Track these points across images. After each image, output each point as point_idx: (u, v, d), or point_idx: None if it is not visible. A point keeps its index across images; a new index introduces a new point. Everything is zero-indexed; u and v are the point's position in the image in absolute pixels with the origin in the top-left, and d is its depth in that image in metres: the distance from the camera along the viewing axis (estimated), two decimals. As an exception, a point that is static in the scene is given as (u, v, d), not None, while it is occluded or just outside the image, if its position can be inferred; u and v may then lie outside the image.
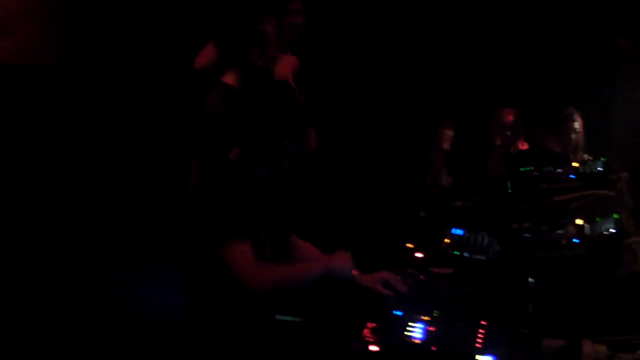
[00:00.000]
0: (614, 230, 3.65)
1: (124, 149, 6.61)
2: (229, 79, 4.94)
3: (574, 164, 4.81)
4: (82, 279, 5.54)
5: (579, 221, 3.83)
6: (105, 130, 6.56)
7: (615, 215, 3.74)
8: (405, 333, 3.33)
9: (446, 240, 4.32)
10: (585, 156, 4.91)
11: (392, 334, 3.33)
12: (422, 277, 3.92)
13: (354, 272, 3.71)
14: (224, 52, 4.94)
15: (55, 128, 6.33)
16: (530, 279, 3.64)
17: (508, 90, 6.65)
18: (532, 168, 4.95)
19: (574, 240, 3.67)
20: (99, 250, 5.84)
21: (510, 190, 4.86)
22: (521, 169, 5.04)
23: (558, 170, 4.81)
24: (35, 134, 6.19)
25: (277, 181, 3.51)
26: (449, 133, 6.80)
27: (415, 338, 3.30)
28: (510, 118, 6.45)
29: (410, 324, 3.40)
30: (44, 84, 6.29)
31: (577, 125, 5.61)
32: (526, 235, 3.94)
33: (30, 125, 6.19)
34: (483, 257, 4.16)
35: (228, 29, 4.90)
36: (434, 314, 3.49)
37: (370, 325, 3.38)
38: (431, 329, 3.34)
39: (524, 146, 6.14)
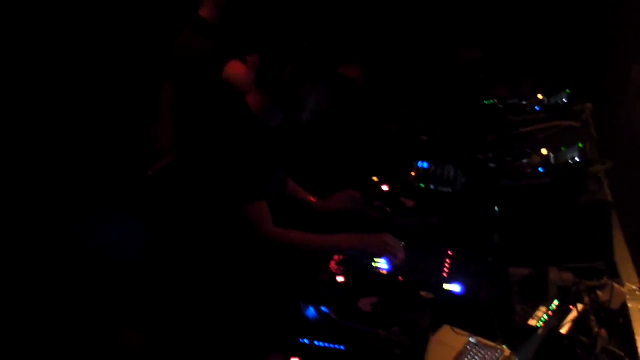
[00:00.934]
0: (578, 159, 3.65)
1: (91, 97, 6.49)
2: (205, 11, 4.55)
3: (539, 96, 4.82)
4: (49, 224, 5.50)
5: (543, 151, 3.83)
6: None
7: (580, 145, 3.75)
8: (372, 264, 3.34)
9: (412, 173, 4.32)
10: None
11: (359, 266, 3.33)
12: (388, 209, 3.92)
13: (313, 199, 3.73)
14: None
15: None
16: (495, 209, 3.65)
17: (469, 29, 6.59)
18: (496, 101, 4.96)
19: (539, 169, 3.67)
20: (68, 201, 5.79)
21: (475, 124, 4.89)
22: (485, 102, 5.04)
23: (523, 102, 4.82)
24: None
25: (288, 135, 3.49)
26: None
27: (382, 269, 3.30)
28: (473, 55, 6.43)
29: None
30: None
31: None
32: (491, 165, 3.94)
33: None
34: (449, 189, 4.16)
35: None
36: (401, 245, 3.49)
37: (336, 257, 3.38)
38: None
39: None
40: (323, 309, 2.89)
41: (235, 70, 4.20)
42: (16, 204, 5.58)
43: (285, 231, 3.30)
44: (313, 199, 3.92)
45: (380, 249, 3.30)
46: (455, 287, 3.20)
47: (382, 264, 3.33)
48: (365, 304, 3.03)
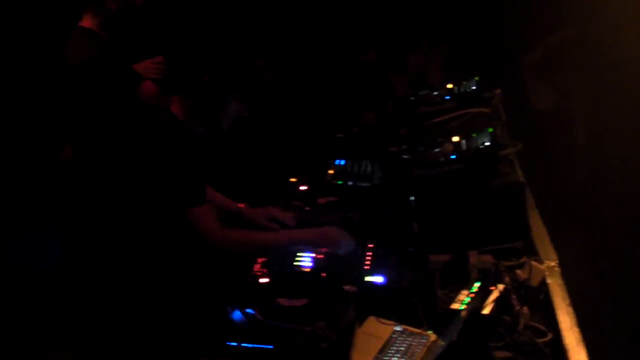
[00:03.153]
0: (489, 143, 3.72)
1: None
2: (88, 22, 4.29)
3: (449, 86, 4.89)
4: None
5: (455, 138, 3.89)
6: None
7: (490, 129, 3.81)
8: (295, 263, 3.36)
9: (329, 172, 4.36)
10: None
11: (282, 266, 3.35)
12: (307, 208, 3.94)
13: (241, 205, 3.72)
14: None
15: None
16: (411, 198, 3.69)
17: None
18: (407, 93, 5.02)
19: (452, 156, 3.72)
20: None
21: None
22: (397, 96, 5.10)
23: (434, 93, 4.88)
24: None
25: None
26: None
27: (305, 267, 3.32)
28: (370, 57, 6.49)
29: (298, 254, 3.43)
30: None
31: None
32: (405, 156, 3.99)
33: None
34: (367, 184, 4.21)
35: None
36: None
37: (260, 260, 3.40)
38: (319, 256, 3.38)
39: None
40: (248, 310, 2.91)
41: (149, 92, 4.15)
42: None
43: (236, 231, 3.27)
44: (242, 205, 3.84)
45: (333, 240, 3.35)
46: (377, 279, 3.24)
47: (304, 261, 3.35)
48: (290, 302, 3.05)
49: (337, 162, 4.47)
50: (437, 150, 3.83)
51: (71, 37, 4.25)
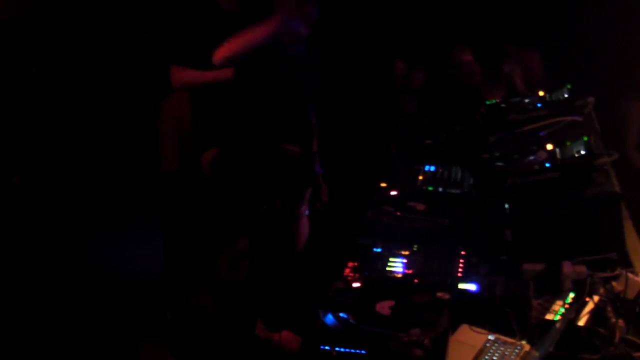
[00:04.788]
0: (584, 152, 3.67)
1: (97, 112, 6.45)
2: None
3: (540, 93, 4.84)
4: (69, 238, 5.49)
5: (549, 146, 3.85)
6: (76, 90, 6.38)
7: (585, 138, 3.77)
8: (387, 269, 3.36)
9: (420, 177, 4.35)
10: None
11: (374, 271, 3.35)
12: (398, 213, 3.94)
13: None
14: None
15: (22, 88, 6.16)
16: (505, 206, 3.67)
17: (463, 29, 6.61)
18: (498, 100, 4.98)
19: (546, 164, 3.69)
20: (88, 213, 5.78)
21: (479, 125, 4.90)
22: (487, 102, 5.06)
23: (525, 100, 4.84)
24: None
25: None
26: (419, 75, 6.77)
27: (397, 272, 3.32)
28: (466, 57, 6.44)
29: (390, 259, 3.43)
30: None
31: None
32: (498, 163, 3.96)
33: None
34: (457, 190, 4.19)
35: None
36: (413, 248, 3.52)
37: (351, 264, 3.41)
38: (411, 262, 3.38)
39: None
40: (342, 315, 2.91)
41: None
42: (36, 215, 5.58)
43: None
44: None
45: None
46: (470, 286, 3.22)
47: (397, 267, 3.35)
48: (383, 307, 3.05)
49: (426, 168, 4.46)
50: (531, 158, 3.79)
51: None
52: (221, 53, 4.10)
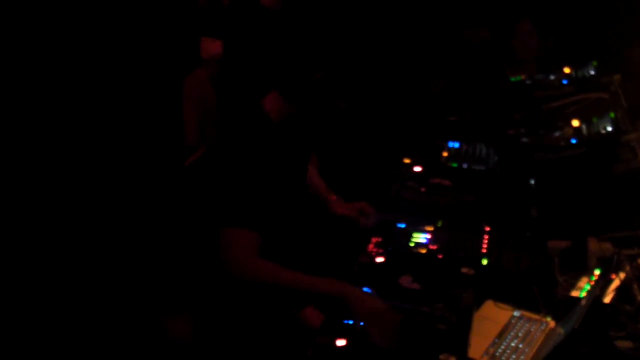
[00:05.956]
0: (610, 129, 3.64)
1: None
2: None
3: (566, 70, 4.79)
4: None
5: (575, 122, 3.82)
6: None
7: (612, 114, 3.73)
8: (410, 244, 3.34)
9: (444, 154, 4.33)
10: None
11: (397, 246, 3.34)
12: (422, 189, 3.92)
13: (333, 197, 3.66)
14: None
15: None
16: (531, 182, 3.64)
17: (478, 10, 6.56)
18: (523, 77, 4.93)
19: (572, 140, 3.66)
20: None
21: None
22: (512, 79, 5.02)
23: (551, 77, 4.79)
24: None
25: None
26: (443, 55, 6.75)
27: (421, 248, 3.31)
28: (481, 35, 6.41)
29: (414, 235, 3.41)
30: None
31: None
32: (524, 139, 3.93)
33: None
34: (482, 167, 4.17)
35: None
36: (437, 224, 3.50)
37: (374, 239, 3.39)
38: (435, 238, 3.36)
39: None
40: (365, 289, 2.89)
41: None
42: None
43: (266, 266, 2.78)
44: (333, 197, 3.69)
45: (358, 302, 2.71)
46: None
47: (420, 240, 3.34)
48: (406, 282, 3.03)
49: (450, 144, 4.44)
50: (557, 134, 3.76)
51: None
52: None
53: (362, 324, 2.67)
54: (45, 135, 5.16)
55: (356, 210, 3.64)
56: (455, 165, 4.22)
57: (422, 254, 3.28)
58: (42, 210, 4.93)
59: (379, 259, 3.23)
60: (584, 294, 2.95)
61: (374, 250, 3.30)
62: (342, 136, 3.26)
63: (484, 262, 3.21)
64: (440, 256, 3.26)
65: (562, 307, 2.89)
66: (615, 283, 2.98)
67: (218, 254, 2.75)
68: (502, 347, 2.70)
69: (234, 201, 2.79)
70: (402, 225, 3.51)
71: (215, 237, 2.76)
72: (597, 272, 3.06)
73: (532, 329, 2.82)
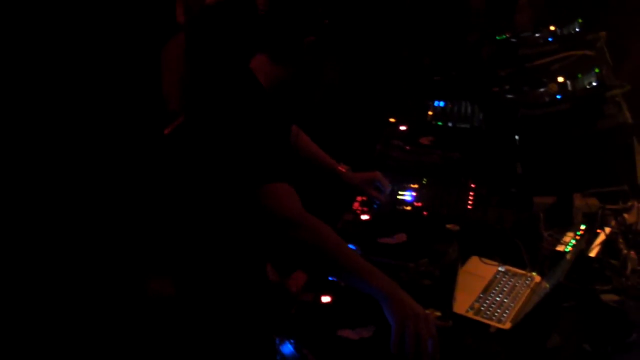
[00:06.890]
0: (595, 84, 3.62)
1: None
2: None
3: (551, 28, 4.77)
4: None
5: (560, 78, 3.79)
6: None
7: (596, 70, 3.71)
8: (395, 202, 3.34)
9: (429, 113, 4.32)
10: None
11: (382, 204, 3.33)
12: (407, 147, 3.91)
13: (342, 168, 3.50)
14: None
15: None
16: (516, 138, 3.63)
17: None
18: (508, 35, 4.91)
19: (557, 96, 3.64)
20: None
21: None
22: (497, 38, 4.99)
23: (536, 34, 4.77)
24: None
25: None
26: None
27: (406, 205, 3.30)
28: None
29: (399, 192, 3.40)
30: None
31: None
32: (508, 96, 3.91)
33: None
34: (467, 125, 4.16)
35: None
36: (423, 181, 3.49)
37: (359, 198, 3.38)
38: (420, 195, 3.35)
39: None
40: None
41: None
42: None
43: (319, 222, 2.60)
44: (342, 169, 3.49)
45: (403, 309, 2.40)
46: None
47: (406, 197, 3.34)
48: (391, 239, 3.03)
49: (436, 103, 4.43)
50: (541, 90, 3.74)
51: None
52: None
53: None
54: (18, 99, 5.13)
55: (371, 183, 3.48)
56: (440, 123, 4.21)
57: (407, 211, 3.28)
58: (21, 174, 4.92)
59: (364, 217, 3.22)
60: (569, 248, 2.95)
61: (359, 208, 3.29)
62: (326, 101, 3.23)
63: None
64: (425, 213, 3.25)
65: (547, 262, 2.90)
66: (601, 237, 2.98)
67: (263, 216, 2.59)
68: (487, 302, 2.70)
69: (263, 160, 2.62)
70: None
71: (255, 200, 2.58)
72: (582, 227, 3.06)
73: (517, 284, 2.82)
